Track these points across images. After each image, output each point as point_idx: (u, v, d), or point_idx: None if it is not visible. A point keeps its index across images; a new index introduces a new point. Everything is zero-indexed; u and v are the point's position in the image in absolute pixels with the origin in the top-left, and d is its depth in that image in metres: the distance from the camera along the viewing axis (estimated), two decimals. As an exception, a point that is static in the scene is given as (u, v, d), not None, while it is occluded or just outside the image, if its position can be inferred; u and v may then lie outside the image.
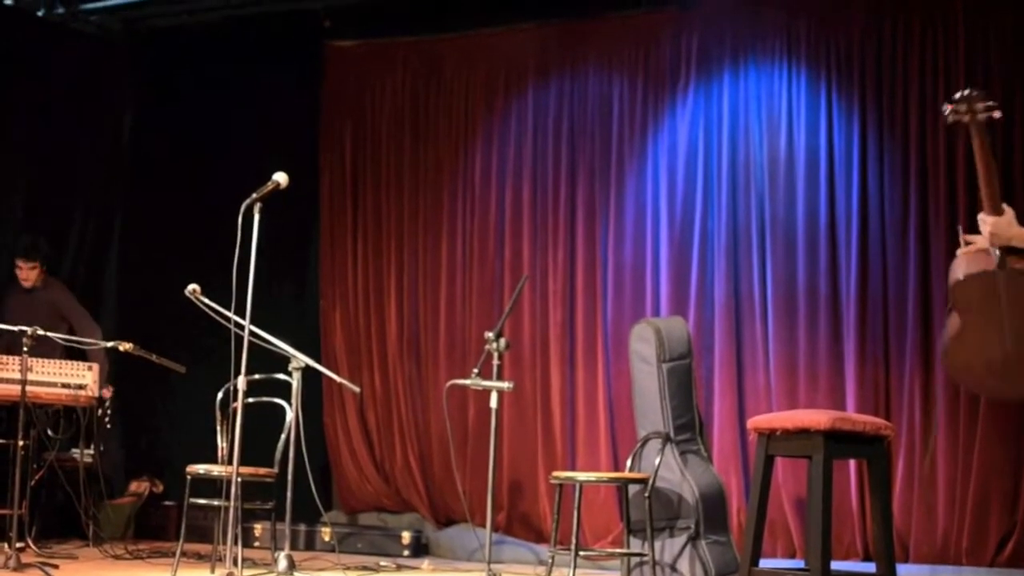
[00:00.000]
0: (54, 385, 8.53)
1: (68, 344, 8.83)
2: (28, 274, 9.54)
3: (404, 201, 10.59)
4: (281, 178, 6.66)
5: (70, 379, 8.59)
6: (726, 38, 9.57)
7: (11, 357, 8.31)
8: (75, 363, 8.73)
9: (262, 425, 8.40)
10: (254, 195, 6.58)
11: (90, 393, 8.62)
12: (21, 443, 7.75)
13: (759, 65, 9.46)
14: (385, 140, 10.72)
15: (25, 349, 7.79)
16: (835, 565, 6.16)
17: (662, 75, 9.77)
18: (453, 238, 10.38)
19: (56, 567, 7.53)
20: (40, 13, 10.58)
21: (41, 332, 7.94)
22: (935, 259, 8.75)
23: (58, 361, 8.74)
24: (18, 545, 7.52)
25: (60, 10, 10.61)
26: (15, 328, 7.91)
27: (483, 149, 10.36)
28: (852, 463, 8.44)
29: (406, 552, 9.51)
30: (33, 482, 8.54)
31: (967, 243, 4.90)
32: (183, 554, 7.91)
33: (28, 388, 7.93)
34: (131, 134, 11.17)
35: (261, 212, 6.64)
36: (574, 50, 10.09)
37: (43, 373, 8.51)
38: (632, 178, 9.80)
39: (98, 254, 10.98)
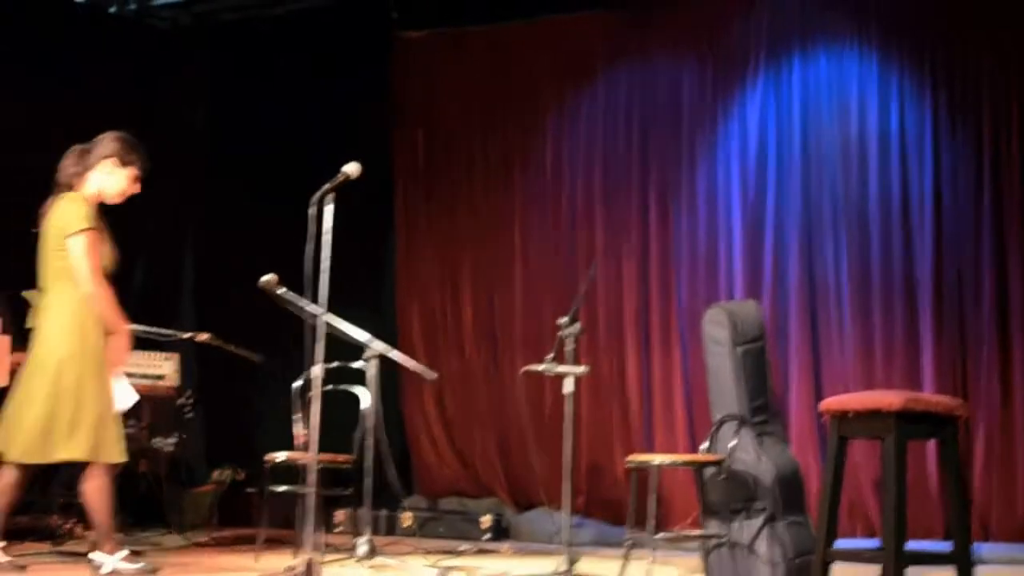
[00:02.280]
0: (132, 376, 8.59)
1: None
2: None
3: (476, 189, 10.66)
4: (352, 168, 6.68)
5: (148, 370, 8.65)
6: (796, 21, 9.56)
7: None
8: (153, 354, 8.77)
9: (342, 413, 8.49)
10: (325, 186, 6.63)
11: (169, 383, 8.69)
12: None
13: (829, 48, 9.44)
14: (456, 129, 10.77)
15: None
16: (913, 544, 6.13)
17: (732, 59, 9.77)
18: (527, 225, 10.42)
19: (139, 555, 7.63)
20: (112, 10, 10.69)
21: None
22: (1010, 238, 8.72)
23: (138, 352, 8.72)
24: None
25: (132, 6, 10.71)
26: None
27: (553, 136, 10.40)
28: (933, 442, 8.42)
29: (486, 536, 9.57)
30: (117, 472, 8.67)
31: None
32: (266, 540, 8.02)
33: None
34: (204, 128, 11.26)
35: (336, 203, 6.68)
36: (642, 36, 10.10)
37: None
38: (704, 163, 9.80)
39: (174, 247, 11.10)
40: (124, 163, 6.90)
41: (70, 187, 6.82)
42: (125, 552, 6.83)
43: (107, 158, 6.86)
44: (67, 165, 6.86)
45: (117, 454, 6.74)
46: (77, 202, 6.73)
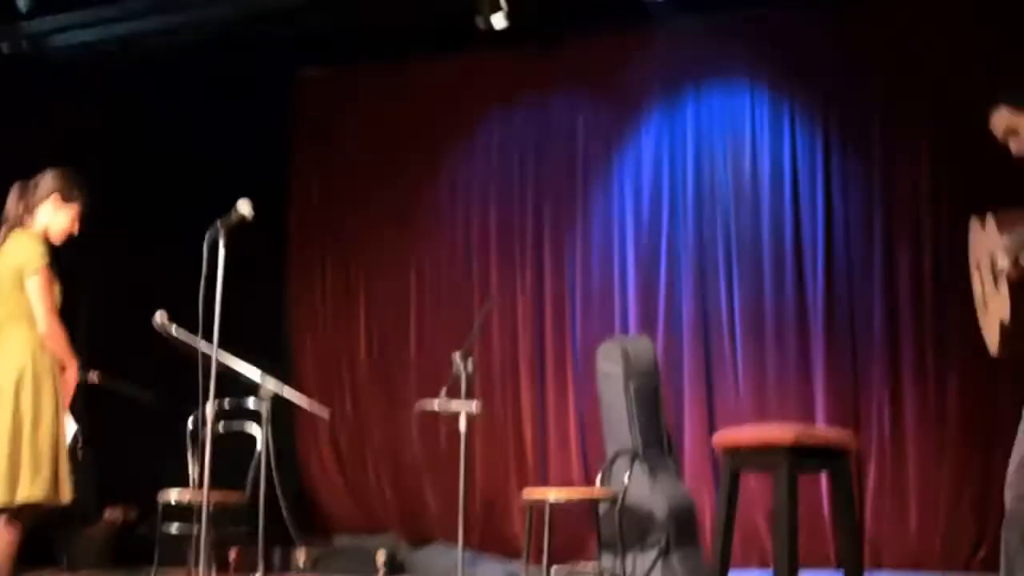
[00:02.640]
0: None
1: None
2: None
3: (372, 227, 10.63)
4: (245, 208, 6.63)
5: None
6: (689, 61, 9.65)
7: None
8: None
9: (236, 451, 8.43)
10: (218, 223, 6.59)
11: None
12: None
13: (722, 87, 9.55)
14: (353, 167, 10.76)
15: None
16: (806, 574, 6.18)
17: (626, 98, 9.85)
18: (422, 262, 10.43)
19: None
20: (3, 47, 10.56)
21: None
22: (900, 272, 8.86)
23: None
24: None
25: (24, 44, 10.56)
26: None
27: (449, 173, 10.42)
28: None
29: (381, 572, 9.52)
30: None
31: None
32: (158, 581, 7.95)
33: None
34: (98, 160, 11.13)
35: (229, 240, 6.64)
36: (538, 75, 10.16)
37: None
38: (598, 200, 9.87)
39: (67, 284, 10.94)
40: (66, 200, 6.76)
41: (19, 223, 6.66)
42: None
43: (50, 194, 6.72)
44: (11, 201, 6.71)
45: (68, 492, 6.60)
46: (32, 239, 6.58)
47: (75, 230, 6.82)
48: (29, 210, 6.69)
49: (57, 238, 6.75)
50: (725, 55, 9.54)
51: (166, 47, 10.38)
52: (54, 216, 6.72)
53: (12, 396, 6.43)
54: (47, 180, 6.74)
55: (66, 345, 6.67)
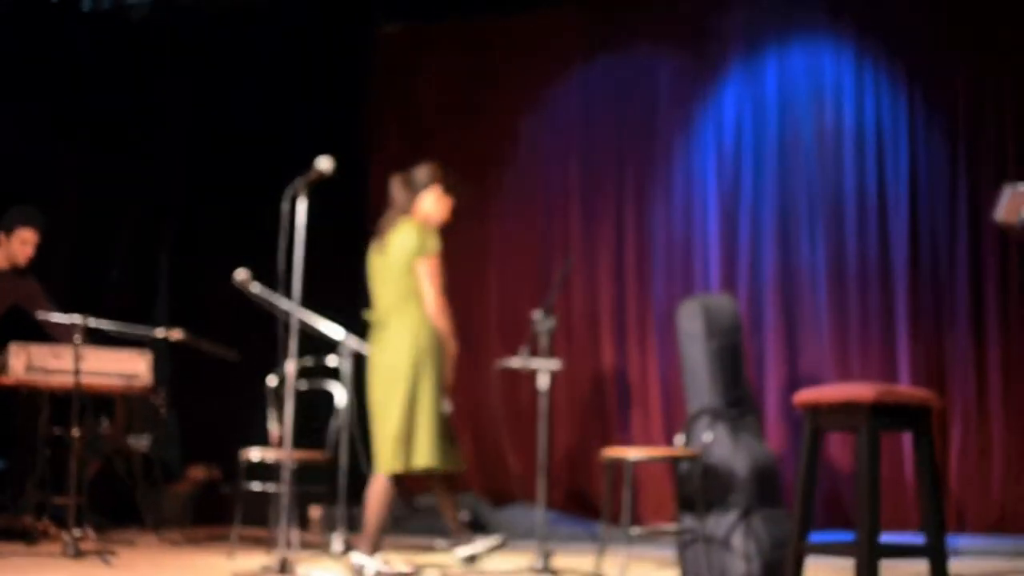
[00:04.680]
0: (107, 375, 8.50)
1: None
2: (32, 249, 8.73)
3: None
4: (324, 164, 6.68)
5: (122, 368, 8.57)
6: (772, 14, 9.57)
7: (63, 347, 8.23)
8: (126, 352, 8.67)
9: (318, 409, 8.48)
10: (298, 181, 6.62)
11: (143, 382, 8.62)
12: (77, 432, 7.79)
13: (805, 41, 9.46)
14: (432, 124, 10.74)
15: (77, 340, 7.81)
16: (887, 536, 6.12)
17: (708, 53, 9.78)
18: (502, 219, 10.40)
19: (114, 554, 7.61)
20: (87, 7, 10.63)
21: (93, 323, 7.97)
22: (985, 229, 8.75)
23: (112, 351, 8.62)
24: (76, 533, 7.59)
25: (106, 5, 10.62)
26: (66, 320, 7.91)
27: (530, 130, 10.38)
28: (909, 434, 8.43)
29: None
30: (91, 471, 8.65)
31: None
32: (240, 538, 8.00)
33: (84, 379, 7.99)
34: (181, 124, 11.20)
35: (311, 198, 6.68)
36: (618, 29, 10.10)
37: (98, 362, 8.46)
38: (680, 155, 9.81)
39: (149, 244, 11.05)
40: (446, 189, 7.41)
41: (405, 211, 7.27)
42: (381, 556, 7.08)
43: (431, 185, 7.35)
44: (396, 191, 7.33)
45: (459, 460, 7.37)
46: (419, 227, 7.18)
47: (445, 216, 7.46)
48: (413, 199, 7.30)
49: (436, 225, 7.35)
50: (808, 7, 9.45)
51: (245, 5, 10.43)
52: (435, 205, 7.36)
53: (407, 374, 7.03)
54: (427, 171, 7.39)
55: (450, 325, 7.22)
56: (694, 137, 9.78)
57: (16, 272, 8.66)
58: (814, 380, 8.75)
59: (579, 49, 10.26)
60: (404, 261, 7.10)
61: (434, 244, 7.12)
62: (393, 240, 7.18)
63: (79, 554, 7.40)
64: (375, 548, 7.00)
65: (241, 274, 7.62)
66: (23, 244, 8.58)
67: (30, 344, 8.21)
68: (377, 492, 7.06)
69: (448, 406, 7.18)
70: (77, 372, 7.74)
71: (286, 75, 10.87)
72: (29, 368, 8.18)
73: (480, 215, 10.42)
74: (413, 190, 7.30)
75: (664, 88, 9.94)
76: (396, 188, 7.31)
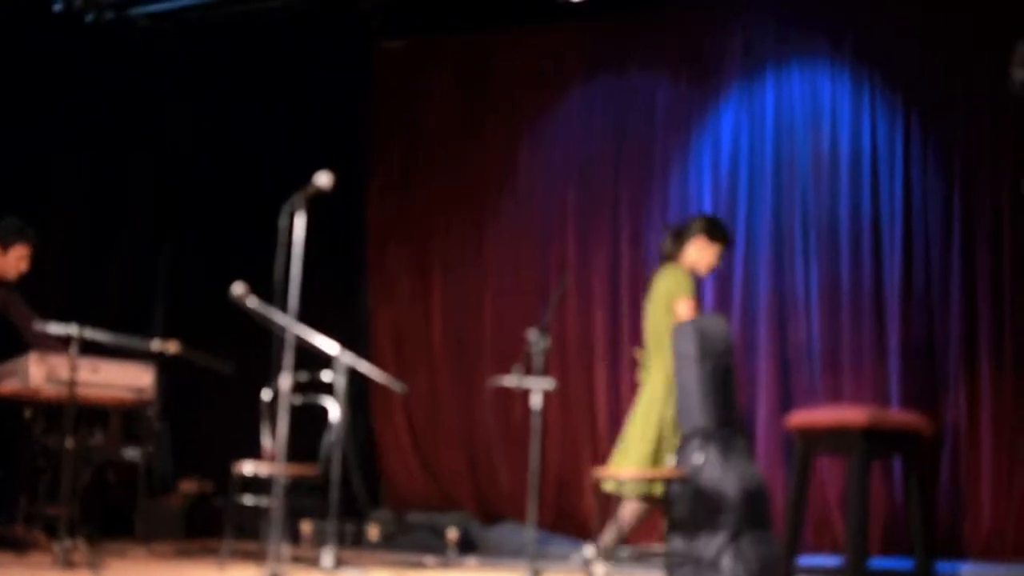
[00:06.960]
0: (115, 387, 8.43)
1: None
2: (28, 264, 8.71)
3: (451, 201, 10.65)
4: (323, 180, 6.69)
5: (133, 382, 8.49)
6: (770, 37, 9.60)
7: (83, 359, 8.10)
8: (134, 365, 8.61)
9: (311, 425, 8.49)
10: (296, 196, 6.64)
11: (149, 395, 8.57)
12: (70, 443, 7.78)
13: (803, 64, 9.49)
14: (434, 140, 10.78)
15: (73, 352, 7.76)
16: (879, 561, 6.15)
17: (706, 74, 9.82)
18: (499, 238, 10.43)
19: (105, 566, 7.61)
20: (89, 18, 10.65)
21: (89, 334, 7.93)
22: (979, 254, 8.77)
23: (115, 362, 8.55)
24: (67, 544, 7.58)
25: (109, 15, 10.64)
26: (63, 332, 7.87)
27: (528, 148, 10.41)
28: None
29: (453, 550, 9.55)
30: (83, 482, 8.64)
31: None
32: (231, 552, 8.01)
33: (93, 392, 8.01)
34: (179, 136, 11.23)
35: (308, 214, 6.70)
36: (618, 49, 10.14)
37: (108, 375, 8.38)
38: (676, 176, 9.84)
39: (147, 257, 11.07)
40: (711, 239, 7.95)
41: (671, 259, 7.93)
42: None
43: (697, 236, 7.93)
44: (666, 241, 8.03)
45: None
46: (679, 273, 7.82)
47: (715, 263, 8.07)
48: (679, 247, 7.95)
49: (702, 272, 8.03)
50: (807, 32, 9.48)
51: (245, 20, 10.46)
52: (700, 254, 7.95)
53: (660, 405, 7.67)
54: (696, 223, 8.02)
55: None
56: (691, 160, 9.80)
57: (2, 284, 8.62)
58: (806, 402, 8.79)
59: (578, 69, 10.30)
60: (663, 302, 7.74)
61: (689, 286, 7.71)
62: (657, 284, 7.85)
63: (69, 565, 7.40)
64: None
65: (238, 288, 7.64)
66: (19, 260, 8.57)
67: (49, 354, 8.14)
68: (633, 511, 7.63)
69: None
70: (72, 383, 7.71)
71: (286, 90, 10.91)
72: (49, 379, 8.10)
73: (478, 234, 10.45)
74: (681, 239, 7.94)
75: (662, 111, 9.97)
76: (667, 237, 8.03)
